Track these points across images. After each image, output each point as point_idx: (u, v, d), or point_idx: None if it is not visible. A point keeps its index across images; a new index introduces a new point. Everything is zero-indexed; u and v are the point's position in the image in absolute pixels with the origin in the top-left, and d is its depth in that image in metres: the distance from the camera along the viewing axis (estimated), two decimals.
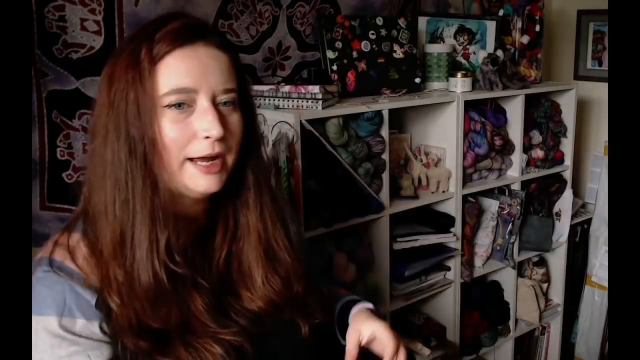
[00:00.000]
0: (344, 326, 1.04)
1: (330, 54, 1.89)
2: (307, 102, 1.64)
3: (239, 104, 0.85)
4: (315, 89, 1.63)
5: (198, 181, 0.82)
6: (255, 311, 0.90)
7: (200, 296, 0.84)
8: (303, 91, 1.64)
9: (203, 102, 0.80)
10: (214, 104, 0.81)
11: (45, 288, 0.79)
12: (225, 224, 0.91)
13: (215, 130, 0.79)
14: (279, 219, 0.94)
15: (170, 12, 0.87)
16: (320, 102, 1.63)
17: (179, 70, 0.79)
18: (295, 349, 0.94)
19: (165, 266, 0.81)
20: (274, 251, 0.92)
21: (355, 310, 1.05)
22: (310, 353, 0.96)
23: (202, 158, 0.81)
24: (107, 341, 0.80)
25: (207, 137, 0.80)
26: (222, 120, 0.81)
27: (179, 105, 0.79)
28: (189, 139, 0.80)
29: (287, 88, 1.67)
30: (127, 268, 0.80)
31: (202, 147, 0.80)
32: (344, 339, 1.01)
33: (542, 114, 2.28)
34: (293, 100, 1.66)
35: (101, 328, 0.79)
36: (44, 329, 0.77)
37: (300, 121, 1.56)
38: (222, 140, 0.81)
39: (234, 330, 0.85)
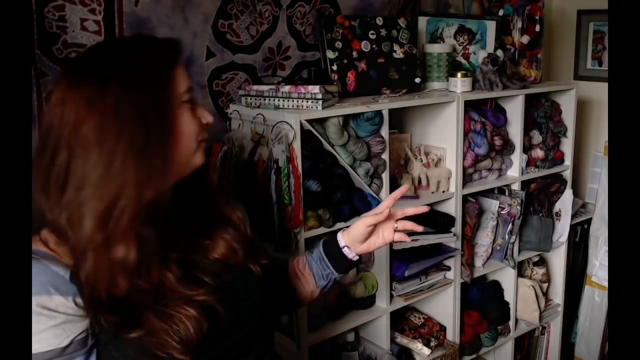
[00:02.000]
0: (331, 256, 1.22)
1: (330, 54, 1.89)
2: (307, 102, 1.64)
3: None
4: (315, 89, 1.63)
5: (200, 157, 0.97)
6: (217, 260, 1.01)
7: (170, 266, 0.92)
8: (303, 91, 1.64)
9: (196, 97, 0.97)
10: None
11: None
12: None
13: (210, 118, 0.99)
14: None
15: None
16: (320, 102, 1.63)
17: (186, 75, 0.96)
18: (254, 292, 1.06)
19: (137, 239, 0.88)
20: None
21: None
22: (265, 293, 1.08)
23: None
24: (82, 314, 0.87)
25: (207, 124, 0.98)
26: None
27: (191, 100, 0.95)
28: (201, 127, 0.96)
29: (287, 88, 1.67)
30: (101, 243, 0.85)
31: (205, 133, 0.98)
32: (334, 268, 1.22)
33: (542, 114, 2.28)
34: (293, 100, 1.66)
35: (76, 302, 0.86)
36: None
37: (300, 121, 1.56)
38: None
39: (204, 290, 0.93)
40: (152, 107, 0.88)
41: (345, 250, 1.21)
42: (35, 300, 0.83)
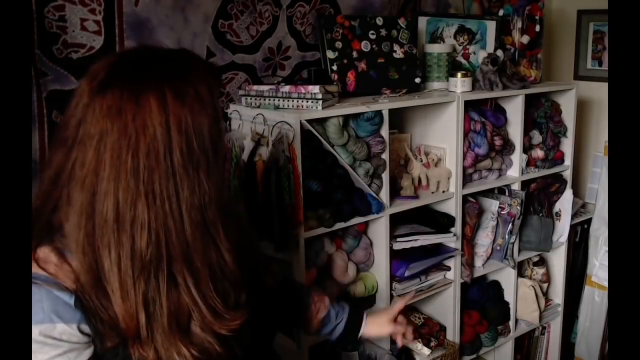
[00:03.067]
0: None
1: (330, 54, 1.89)
2: (307, 102, 1.64)
3: None
4: (315, 89, 1.63)
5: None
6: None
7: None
8: (303, 91, 1.64)
9: None
10: None
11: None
12: None
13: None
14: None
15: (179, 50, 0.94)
16: (320, 102, 1.63)
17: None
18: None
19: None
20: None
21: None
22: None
23: None
24: (87, 342, 0.83)
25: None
26: None
27: None
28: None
29: (287, 88, 1.67)
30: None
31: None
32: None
33: (542, 114, 2.28)
34: (293, 100, 1.66)
35: (80, 329, 0.82)
36: None
37: (300, 121, 1.56)
38: None
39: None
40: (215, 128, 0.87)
41: (364, 326, 1.33)
42: (38, 329, 0.79)
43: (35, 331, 0.79)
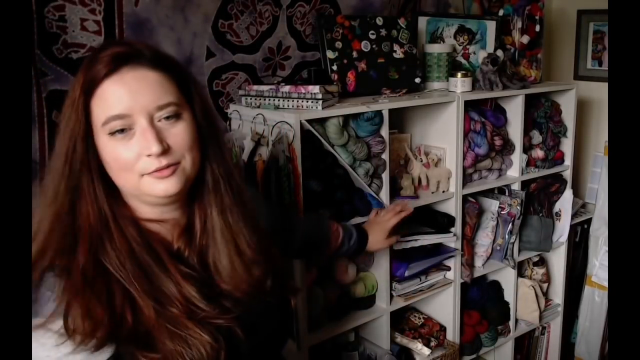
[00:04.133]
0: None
1: (330, 54, 1.89)
2: (307, 102, 1.64)
3: (188, 110, 0.90)
4: (315, 89, 1.63)
5: (156, 187, 0.87)
6: (233, 295, 0.96)
7: (189, 283, 0.89)
8: (303, 91, 1.64)
9: (141, 123, 0.85)
10: (152, 122, 0.85)
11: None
12: (196, 223, 0.97)
13: (155, 147, 0.84)
14: (242, 213, 0.99)
15: (104, 42, 0.95)
16: (320, 102, 1.63)
17: (109, 100, 0.84)
18: (274, 323, 1.04)
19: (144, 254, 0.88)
20: (237, 245, 0.97)
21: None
22: (286, 324, 1.11)
23: (156, 170, 0.87)
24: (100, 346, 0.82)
25: (149, 155, 0.85)
26: (163, 134, 0.86)
27: (121, 130, 0.85)
28: (137, 158, 0.85)
29: (287, 88, 1.67)
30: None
31: (149, 164, 0.86)
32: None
33: (542, 114, 2.28)
34: (293, 100, 1.66)
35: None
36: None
37: (300, 121, 1.56)
38: (167, 152, 0.86)
39: (228, 316, 0.90)
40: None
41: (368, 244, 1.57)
42: (42, 321, 0.80)
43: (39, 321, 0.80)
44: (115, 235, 0.87)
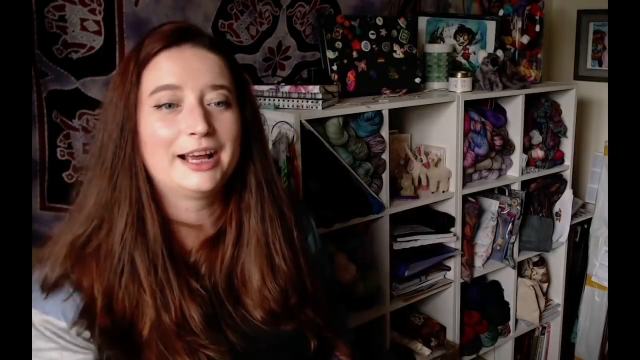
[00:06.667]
0: None
1: (330, 54, 1.89)
2: (307, 102, 1.64)
3: (237, 104, 0.87)
4: (315, 89, 1.63)
5: (189, 178, 0.82)
6: (254, 323, 0.88)
7: (194, 302, 0.83)
8: (303, 91, 1.64)
9: (190, 100, 0.81)
10: (202, 102, 0.82)
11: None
12: (229, 228, 0.91)
13: (200, 126, 0.80)
14: (281, 225, 0.93)
15: (168, 21, 0.88)
16: (320, 102, 1.63)
17: (164, 70, 0.82)
18: None
19: (150, 266, 0.82)
20: (272, 257, 0.91)
21: None
22: None
23: (193, 156, 0.82)
24: (84, 346, 0.81)
25: (193, 134, 0.81)
26: (210, 117, 0.83)
27: (168, 105, 0.81)
28: (176, 136, 0.81)
29: (287, 88, 1.67)
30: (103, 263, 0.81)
31: (189, 143, 0.81)
32: None
33: (542, 114, 2.28)
34: (293, 100, 1.66)
35: (80, 335, 0.80)
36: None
37: (300, 121, 1.56)
38: (211, 136, 0.82)
39: (222, 348, 0.83)
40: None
41: None
42: (40, 318, 0.80)
43: (38, 318, 0.80)
44: (146, 224, 0.83)
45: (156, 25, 0.87)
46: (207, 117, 0.82)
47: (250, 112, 0.91)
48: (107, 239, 0.82)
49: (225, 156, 0.85)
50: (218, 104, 0.84)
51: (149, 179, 0.85)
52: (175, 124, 0.81)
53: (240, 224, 0.91)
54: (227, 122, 0.85)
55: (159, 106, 0.81)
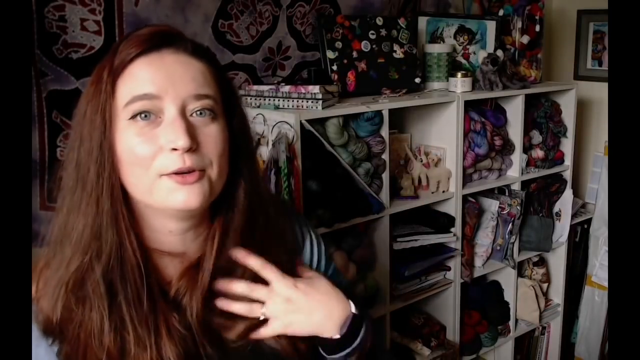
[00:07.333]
0: None
1: (330, 54, 1.89)
2: (307, 102, 1.64)
3: (224, 116, 0.78)
4: (315, 89, 1.63)
5: (175, 195, 0.73)
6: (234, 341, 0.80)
7: (172, 342, 0.75)
8: (303, 91, 1.64)
9: (171, 111, 0.72)
10: (184, 113, 0.73)
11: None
12: (208, 252, 0.81)
13: (182, 141, 0.70)
14: (274, 249, 0.84)
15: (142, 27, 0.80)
16: (320, 102, 1.63)
17: (141, 77, 0.73)
18: None
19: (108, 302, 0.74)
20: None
21: None
22: None
23: (176, 173, 0.72)
24: None
25: (175, 149, 0.71)
26: (194, 130, 0.73)
27: (144, 116, 0.72)
28: (156, 153, 0.72)
29: (287, 88, 1.67)
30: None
31: (170, 161, 0.72)
32: None
33: (542, 114, 2.28)
34: (293, 100, 1.66)
35: None
36: None
37: (300, 121, 1.56)
38: (195, 152, 0.73)
39: None
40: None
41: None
42: None
43: None
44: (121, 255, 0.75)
45: (135, 29, 0.78)
46: (190, 130, 0.72)
47: (239, 123, 0.81)
48: (92, 273, 0.74)
49: (213, 173, 0.75)
50: (201, 114, 0.74)
51: (126, 200, 0.76)
52: (154, 138, 0.72)
53: (221, 249, 0.80)
54: (212, 135, 0.75)
55: (134, 117, 0.72)
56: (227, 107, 0.79)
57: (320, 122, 1.64)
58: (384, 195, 1.81)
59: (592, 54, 2.66)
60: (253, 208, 0.82)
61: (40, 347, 0.76)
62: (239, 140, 0.81)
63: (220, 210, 0.82)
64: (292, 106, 1.66)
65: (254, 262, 0.81)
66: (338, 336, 0.82)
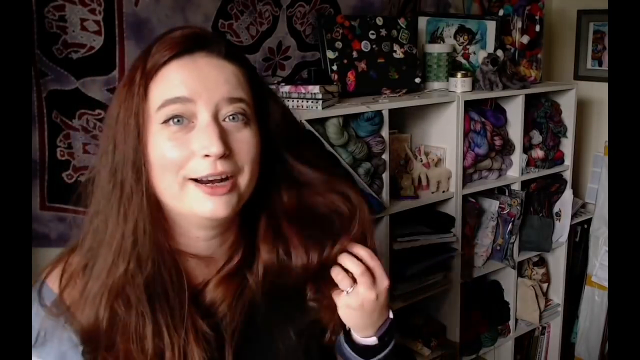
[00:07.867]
0: None
1: (330, 54, 1.89)
2: (307, 102, 1.64)
3: (256, 120, 0.77)
4: (315, 89, 1.63)
5: (203, 204, 0.73)
6: None
7: (200, 347, 0.75)
8: (303, 91, 1.64)
9: (203, 116, 0.72)
10: (217, 118, 0.73)
11: (43, 331, 0.76)
12: (243, 259, 0.82)
13: (215, 147, 0.70)
14: (318, 260, 0.85)
15: (179, 26, 0.79)
16: (320, 102, 1.63)
17: (174, 81, 0.72)
18: None
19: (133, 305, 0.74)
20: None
21: None
22: None
23: (207, 179, 0.72)
24: None
25: (207, 155, 0.71)
26: (227, 136, 0.73)
27: (177, 120, 0.72)
28: (188, 158, 0.72)
29: (287, 88, 1.67)
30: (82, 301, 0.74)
31: (202, 167, 0.71)
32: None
33: (542, 114, 2.28)
34: (293, 100, 1.66)
35: None
36: None
37: (301, 121, 1.56)
38: (227, 158, 0.72)
39: None
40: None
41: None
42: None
43: None
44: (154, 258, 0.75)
45: (166, 31, 0.77)
46: (223, 136, 0.72)
47: (274, 123, 0.81)
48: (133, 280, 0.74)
49: (243, 180, 0.75)
50: (234, 118, 0.74)
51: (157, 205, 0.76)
52: (186, 143, 0.71)
53: (257, 256, 0.82)
54: (245, 141, 0.74)
55: (166, 121, 0.72)
56: (260, 110, 0.79)
57: (320, 122, 1.64)
58: (384, 195, 1.81)
59: (592, 54, 2.66)
60: (286, 215, 0.82)
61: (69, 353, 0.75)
62: (278, 139, 0.81)
63: (258, 217, 0.82)
64: (292, 106, 1.66)
65: (363, 252, 0.91)
66: (375, 340, 0.86)
